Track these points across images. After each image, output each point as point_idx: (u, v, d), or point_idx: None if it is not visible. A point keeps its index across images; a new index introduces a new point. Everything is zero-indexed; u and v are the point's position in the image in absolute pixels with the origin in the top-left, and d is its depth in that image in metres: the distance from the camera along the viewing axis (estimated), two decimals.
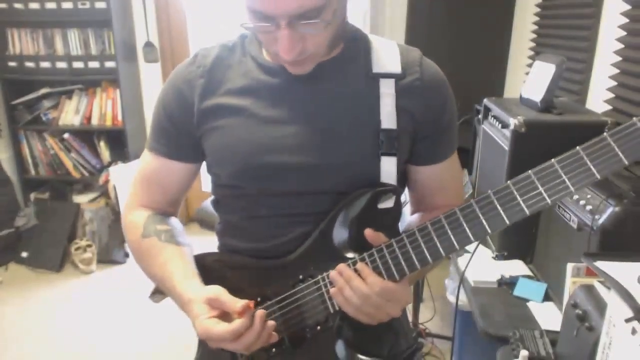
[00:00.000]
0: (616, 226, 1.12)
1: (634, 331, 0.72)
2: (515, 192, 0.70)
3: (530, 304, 1.37)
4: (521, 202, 0.69)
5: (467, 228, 0.73)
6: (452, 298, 1.87)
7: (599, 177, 0.65)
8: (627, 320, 0.73)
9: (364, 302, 0.77)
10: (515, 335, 1.10)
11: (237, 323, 0.76)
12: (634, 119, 0.64)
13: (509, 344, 1.11)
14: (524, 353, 1.01)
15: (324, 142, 0.84)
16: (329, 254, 0.84)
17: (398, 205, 0.95)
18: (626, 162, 0.64)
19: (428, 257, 0.76)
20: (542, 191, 0.68)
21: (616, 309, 0.78)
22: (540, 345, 1.06)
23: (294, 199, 0.86)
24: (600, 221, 1.13)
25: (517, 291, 1.41)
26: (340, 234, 0.85)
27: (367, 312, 0.78)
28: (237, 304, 0.76)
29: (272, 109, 0.85)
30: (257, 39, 0.87)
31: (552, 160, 0.68)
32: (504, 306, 1.37)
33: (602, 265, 0.85)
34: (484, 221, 0.72)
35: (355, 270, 0.78)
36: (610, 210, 1.13)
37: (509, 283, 1.45)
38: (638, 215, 1.11)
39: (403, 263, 0.77)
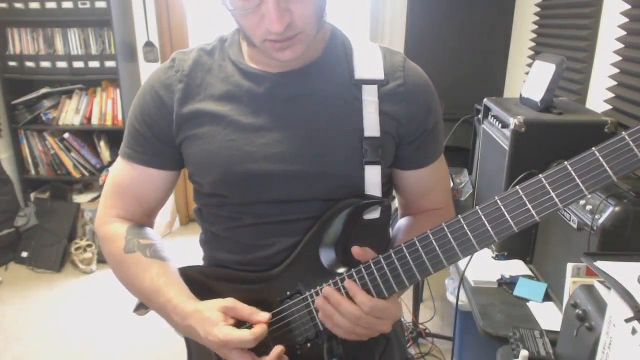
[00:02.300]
0: (616, 226, 1.12)
1: (634, 331, 0.72)
2: (503, 209, 0.67)
3: (530, 304, 1.37)
4: (509, 218, 0.67)
5: (455, 245, 0.71)
6: (452, 298, 1.87)
7: (587, 193, 0.64)
8: (627, 320, 0.73)
9: (355, 324, 0.76)
10: (515, 335, 1.09)
11: (260, 327, 0.78)
12: (623, 133, 0.61)
13: (509, 343, 1.11)
14: (524, 353, 1.01)
15: (307, 149, 0.83)
16: (315, 267, 0.82)
17: (386, 213, 0.94)
18: (614, 179, 0.62)
19: (417, 274, 0.74)
20: (530, 208, 0.66)
21: (616, 309, 0.78)
22: (540, 345, 1.06)
23: (279, 206, 0.85)
24: (600, 221, 1.13)
25: (517, 291, 1.42)
26: (325, 247, 0.83)
27: (358, 332, 0.77)
28: (255, 312, 0.80)
29: (253, 116, 0.83)
30: (240, 27, 0.81)
31: (540, 175, 0.66)
32: (504, 306, 1.37)
33: (602, 265, 0.85)
34: (472, 238, 0.70)
35: (343, 288, 0.78)
36: (610, 210, 1.13)
37: (509, 283, 1.45)
38: (638, 215, 1.11)
39: (392, 280, 0.75)
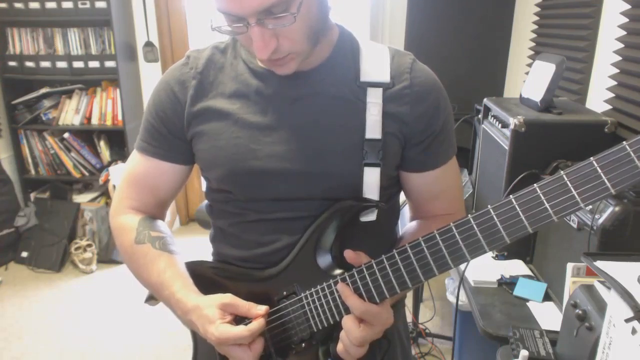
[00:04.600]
0: (616, 226, 1.12)
1: (634, 331, 0.72)
2: (496, 219, 0.66)
3: (530, 304, 1.37)
4: (501, 229, 0.66)
5: (446, 253, 0.70)
6: (452, 298, 1.87)
7: (582, 205, 0.61)
8: (627, 320, 0.73)
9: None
10: (515, 335, 1.09)
11: (256, 323, 0.78)
12: (624, 142, 0.58)
13: (509, 343, 1.11)
14: (524, 353, 1.01)
15: (309, 149, 0.84)
16: (312, 269, 0.83)
17: (387, 215, 0.94)
18: (612, 191, 0.59)
19: (408, 281, 0.74)
20: (523, 219, 0.64)
21: (616, 309, 0.78)
22: (540, 345, 1.06)
23: (281, 204, 0.86)
24: (600, 221, 1.13)
25: (517, 291, 1.42)
26: (322, 249, 0.84)
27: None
28: (253, 307, 0.80)
29: (260, 114, 0.85)
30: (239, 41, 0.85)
31: (535, 185, 0.63)
32: (504, 306, 1.37)
33: (602, 265, 0.85)
34: (463, 248, 0.69)
35: (336, 290, 0.79)
36: (610, 210, 1.13)
37: (509, 283, 1.45)
38: (638, 215, 1.11)
39: (383, 286, 0.75)
